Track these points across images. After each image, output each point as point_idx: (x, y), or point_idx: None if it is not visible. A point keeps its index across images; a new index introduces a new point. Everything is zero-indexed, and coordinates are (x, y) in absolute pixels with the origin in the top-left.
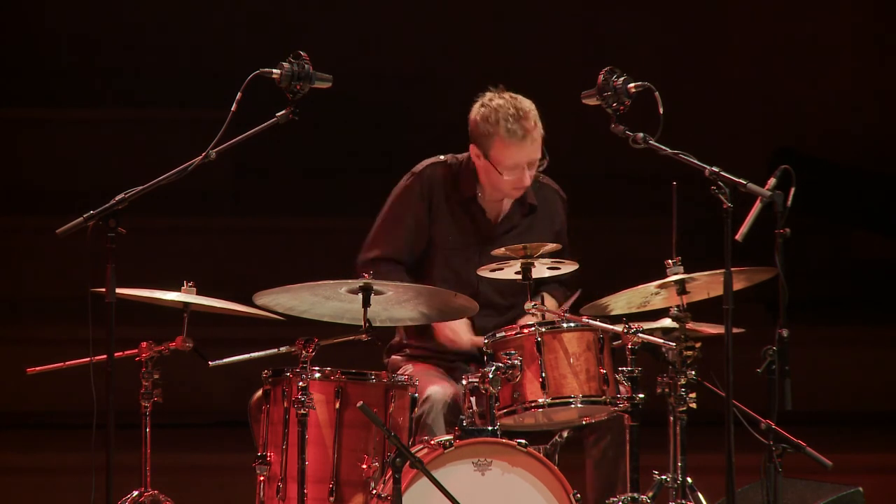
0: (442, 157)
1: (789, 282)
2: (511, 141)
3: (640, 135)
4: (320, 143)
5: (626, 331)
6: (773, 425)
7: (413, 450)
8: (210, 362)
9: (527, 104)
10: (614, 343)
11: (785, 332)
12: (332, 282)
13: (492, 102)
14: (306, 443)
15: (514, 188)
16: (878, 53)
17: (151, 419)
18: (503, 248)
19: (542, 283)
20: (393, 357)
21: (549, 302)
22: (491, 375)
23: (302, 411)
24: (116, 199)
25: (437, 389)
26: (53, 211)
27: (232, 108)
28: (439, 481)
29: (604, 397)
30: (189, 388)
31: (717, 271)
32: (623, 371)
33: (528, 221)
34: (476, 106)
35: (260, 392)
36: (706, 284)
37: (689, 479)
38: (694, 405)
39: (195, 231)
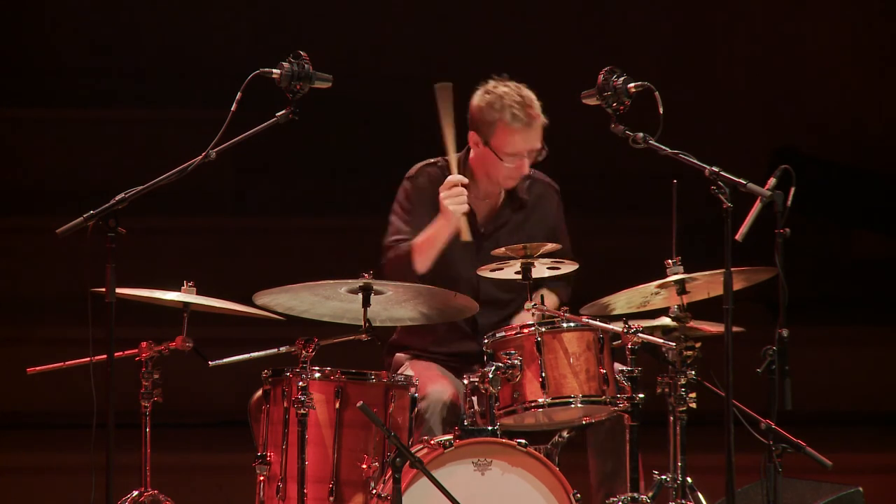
0: (433, 159)
1: (789, 282)
2: (515, 128)
3: (640, 135)
4: (321, 143)
5: (626, 331)
6: (773, 425)
7: (413, 450)
8: (210, 362)
9: (531, 93)
10: (614, 343)
11: (785, 332)
12: (332, 282)
13: (496, 90)
14: (306, 443)
15: (510, 177)
16: (878, 53)
17: (151, 419)
18: (503, 248)
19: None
20: (397, 355)
21: (550, 299)
22: (491, 375)
23: (302, 411)
24: (116, 199)
25: (437, 388)
26: (53, 211)
27: (232, 108)
28: (439, 481)
29: (604, 397)
30: (189, 388)
31: (717, 271)
32: (623, 371)
33: (520, 217)
34: (479, 93)
35: (260, 392)
36: (706, 284)
37: (689, 479)
38: (694, 405)
39: (195, 231)
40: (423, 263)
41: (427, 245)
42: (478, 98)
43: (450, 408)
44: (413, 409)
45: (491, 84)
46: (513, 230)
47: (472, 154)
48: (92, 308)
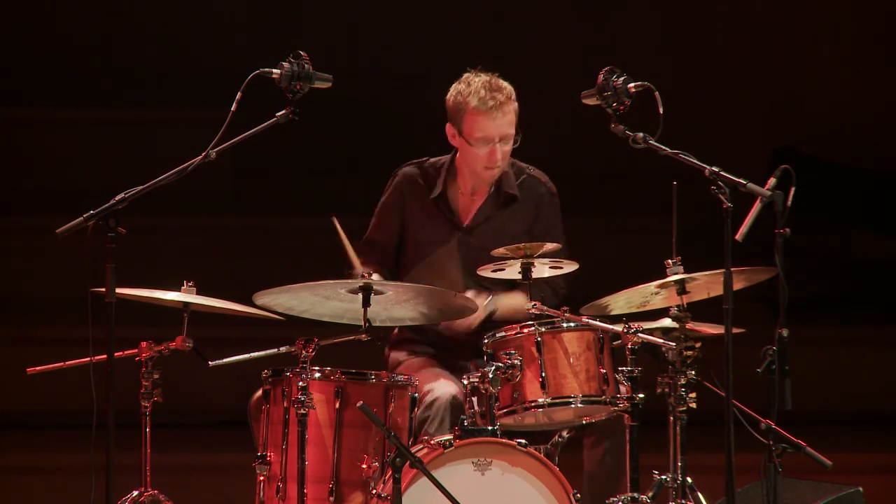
0: (419, 159)
1: (789, 282)
2: (481, 110)
3: (640, 134)
4: (320, 143)
5: (626, 331)
6: (773, 425)
7: (413, 450)
8: (210, 362)
9: (503, 83)
10: (614, 343)
11: (785, 332)
12: (332, 282)
13: (467, 80)
14: (306, 443)
15: (486, 167)
16: (879, 53)
17: (151, 419)
18: (503, 248)
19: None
20: (393, 354)
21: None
22: (491, 375)
23: (302, 411)
24: (116, 199)
25: (443, 385)
26: (53, 211)
27: (232, 108)
28: (439, 481)
29: (604, 397)
30: (189, 388)
31: (717, 271)
32: (623, 371)
33: (507, 212)
34: (453, 86)
35: (260, 392)
36: (706, 284)
37: (689, 479)
38: (694, 405)
39: (195, 231)
40: None
41: None
42: (451, 92)
43: (454, 408)
44: (413, 409)
45: (464, 77)
46: (497, 225)
47: (454, 144)
48: (92, 308)
